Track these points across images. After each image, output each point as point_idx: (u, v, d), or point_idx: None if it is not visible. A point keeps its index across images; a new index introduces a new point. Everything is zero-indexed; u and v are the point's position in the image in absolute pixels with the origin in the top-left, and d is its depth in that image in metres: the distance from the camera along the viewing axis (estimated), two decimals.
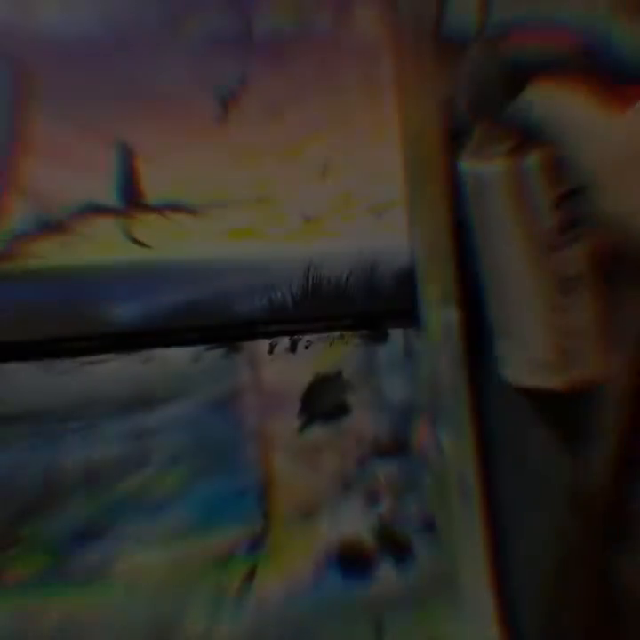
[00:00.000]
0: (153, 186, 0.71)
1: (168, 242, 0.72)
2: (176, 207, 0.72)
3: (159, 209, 0.71)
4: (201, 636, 0.69)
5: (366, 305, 0.74)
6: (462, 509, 0.76)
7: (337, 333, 0.75)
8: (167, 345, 0.72)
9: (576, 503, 0.72)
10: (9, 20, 0.68)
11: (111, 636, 0.68)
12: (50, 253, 0.68)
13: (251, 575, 0.71)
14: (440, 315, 0.77)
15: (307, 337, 0.75)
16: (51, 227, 0.68)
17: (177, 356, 0.73)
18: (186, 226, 0.72)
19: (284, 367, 0.75)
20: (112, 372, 0.71)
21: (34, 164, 0.67)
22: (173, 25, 0.70)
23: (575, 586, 0.74)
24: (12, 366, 0.68)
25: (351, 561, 0.73)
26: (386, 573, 0.73)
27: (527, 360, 0.40)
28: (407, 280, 0.76)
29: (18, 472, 0.67)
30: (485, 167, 0.31)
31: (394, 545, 0.74)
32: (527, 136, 0.31)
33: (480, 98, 0.30)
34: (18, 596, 0.66)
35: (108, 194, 0.69)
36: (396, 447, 0.77)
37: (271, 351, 0.75)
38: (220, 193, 0.73)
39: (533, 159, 0.32)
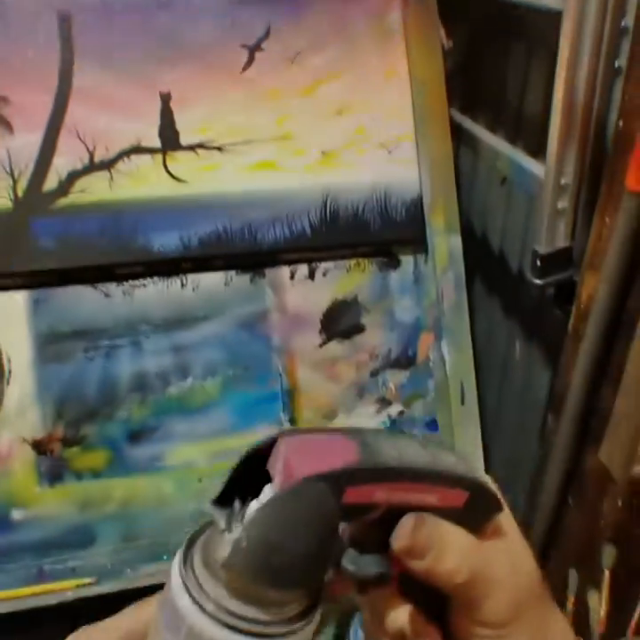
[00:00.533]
0: (186, 127, 0.78)
1: (200, 177, 0.79)
2: (206, 145, 0.79)
3: (192, 147, 0.79)
4: None
5: (379, 233, 0.82)
6: (461, 412, 0.86)
7: (353, 261, 0.84)
8: (201, 270, 0.81)
9: (555, 406, 0.82)
10: None
11: (163, 520, 0.79)
12: (98, 189, 0.76)
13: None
14: (445, 242, 0.86)
15: (324, 264, 0.84)
16: (98, 165, 0.76)
17: (210, 281, 0.81)
18: (215, 162, 0.80)
19: (304, 292, 0.83)
20: (154, 294, 0.80)
21: (83, 108, 0.75)
22: None
23: (553, 475, 0.85)
24: (69, 290, 0.77)
25: None
26: None
27: None
28: (416, 210, 0.84)
29: (78, 381, 0.77)
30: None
31: None
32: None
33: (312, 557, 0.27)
34: (84, 485, 0.77)
35: (148, 135, 0.77)
36: (405, 360, 0.86)
37: (292, 277, 0.84)
38: (245, 131, 0.80)
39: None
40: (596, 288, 0.74)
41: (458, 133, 1.02)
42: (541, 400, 0.91)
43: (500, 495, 0.31)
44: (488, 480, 0.32)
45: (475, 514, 0.30)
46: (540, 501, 0.94)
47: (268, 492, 0.28)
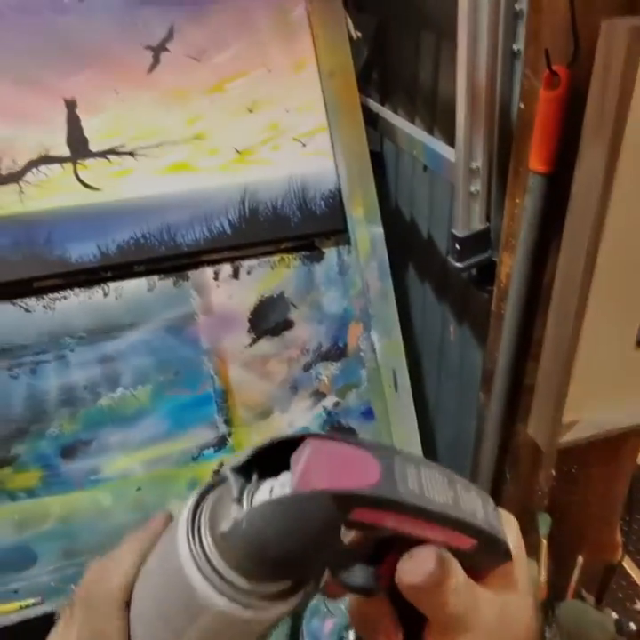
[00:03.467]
0: (95, 133, 0.77)
1: (113, 183, 0.78)
2: (117, 150, 0.78)
3: (102, 154, 0.78)
4: None
5: (300, 227, 0.83)
6: (395, 399, 0.88)
7: (277, 257, 0.84)
8: (122, 278, 0.80)
9: (486, 384, 0.85)
10: None
11: (102, 533, 0.78)
12: (7, 203, 0.74)
13: (219, 470, 0.82)
14: (366, 231, 0.86)
15: (247, 262, 0.84)
16: (6, 178, 0.74)
17: (132, 288, 0.80)
18: (127, 167, 0.78)
19: (230, 291, 0.83)
20: (76, 306, 0.78)
21: None
22: None
23: (488, 450, 0.87)
24: None
25: None
26: None
27: None
28: (335, 201, 0.84)
29: (4, 400, 0.75)
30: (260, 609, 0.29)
31: (340, 433, 0.85)
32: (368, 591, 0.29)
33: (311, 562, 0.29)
34: (19, 505, 0.76)
35: (55, 144, 0.75)
36: (336, 352, 0.87)
37: (216, 278, 0.83)
38: (156, 134, 0.79)
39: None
40: (512, 267, 0.76)
41: (380, 124, 1.03)
42: (476, 379, 0.93)
43: (515, 543, 0.31)
44: (507, 524, 0.31)
45: (481, 559, 0.30)
46: (479, 477, 0.96)
47: (283, 482, 0.29)
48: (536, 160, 0.67)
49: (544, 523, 0.84)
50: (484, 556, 0.30)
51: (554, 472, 0.88)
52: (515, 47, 0.73)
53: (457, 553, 0.29)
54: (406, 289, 1.14)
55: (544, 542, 0.84)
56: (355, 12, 0.89)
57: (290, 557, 0.28)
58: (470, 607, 0.29)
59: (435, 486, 0.29)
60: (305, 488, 0.27)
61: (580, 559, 0.89)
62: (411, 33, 1.05)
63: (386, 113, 1.10)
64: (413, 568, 0.28)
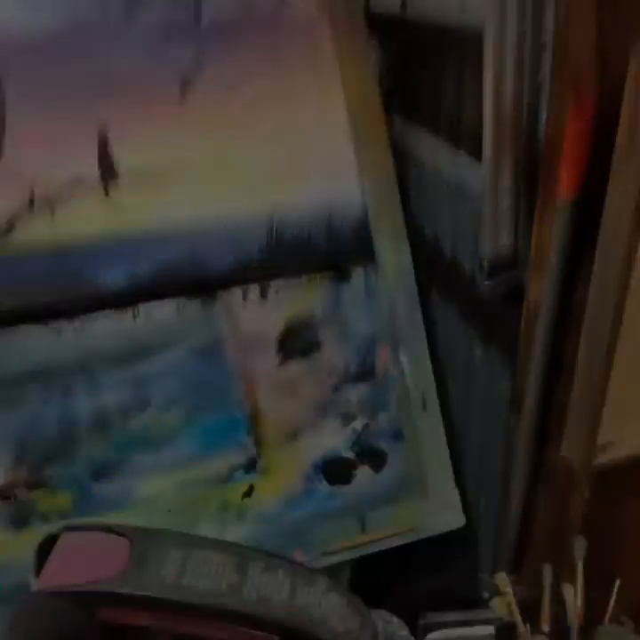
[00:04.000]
0: (126, 160, 0.78)
1: (143, 208, 0.79)
2: (147, 177, 0.79)
3: (133, 180, 0.79)
4: None
5: (327, 249, 0.83)
6: (425, 420, 0.87)
7: (305, 277, 0.84)
8: (151, 300, 0.81)
9: (516, 405, 0.84)
10: None
11: None
12: (40, 229, 0.76)
13: (249, 492, 0.82)
14: (394, 252, 0.87)
15: (275, 282, 0.84)
16: (39, 205, 0.76)
17: (162, 311, 0.81)
18: (157, 192, 0.80)
19: (258, 312, 0.84)
20: (107, 329, 0.79)
21: (18, 149, 0.74)
22: (130, 15, 0.77)
23: (520, 473, 0.86)
24: (19, 330, 0.76)
25: (334, 471, 0.84)
26: (365, 478, 0.85)
27: None
28: (362, 223, 0.85)
29: (36, 423, 0.76)
30: None
31: (370, 454, 0.85)
32: None
33: None
34: (52, 528, 0.76)
35: (88, 170, 0.77)
36: (365, 374, 0.87)
37: (244, 298, 0.84)
38: (186, 161, 0.80)
39: None
40: (541, 288, 0.76)
41: (402, 141, 1.04)
42: (503, 400, 0.92)
43: None
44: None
45: None
46: (511, 500, 0.95)
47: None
48: (565, 185, 0.67)
49: (579, 546, 0.82)
50: None
51: (588, 494, 0.86)
52: (540, 77, 0.74)
53: None
54: (429, 309, 1.13)
55: (580, 566, 0.82)
56: (378, 37, 0.90)
57: None
58: None
59: (208, 572, 0.23)
60: (45, 586, 0.24)
61: (618, 583, 0.87)
62: (434, 54, 1.06)
63: (408, 131, 1.11)
64: None
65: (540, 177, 0.73)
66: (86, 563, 0.23)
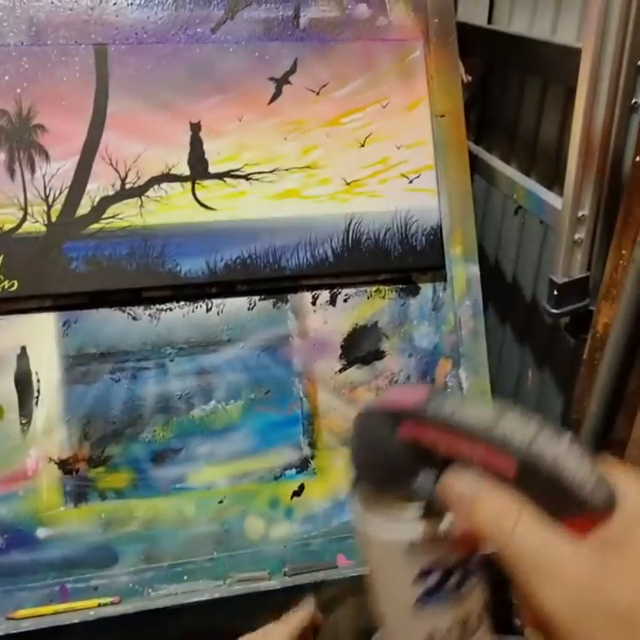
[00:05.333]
0: (214, 156, 0.81)
1: (226, 204, 0.81)
2: (234, 174, 0.82)
3: (220, 176, 0.81)
4: (257, 541, 0.82)
5: (400, 260, 0.84)
6: None
7: (374, 287, 0.85)
8: (225, 295, 0.83)
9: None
10: (91, 12, 0.77)
11: (183, 541, 0.80)
12: (128, 215, 0.78)
13: (299, 491, 0.83)
14: (464, 269, 0.87)
15: (345, 290, 0.86)
16: (129, 191, 0.78)
17: (234, 305, 0.83)
18: (241, 190, 0.82)
19: (325, 317, 0.85)
20: (179, 318, 0.82)
21: (116, 136, 0.77)
22: (230, 15, 0.80)
23: None
24: (98, 312, 0.79)
25: None
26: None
27: None
28: (435, 238, 0.86)
29: (104, 402, 0.79)
30: (390, 530, 0.34)
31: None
32: (433, 504, 0.32)
33: (378, 466, 0.34)
34: (108, 505, 0.78)
35: (177, 163, 0.79)
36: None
37: (314, 303, 0.85)
38: (272, 161, 0.82)
39: (445, 524, 0.33)
40: (612, 317, 0.76)
41: (472, 163, 1.05)
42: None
43: (632, 503, 0.27)
44: (624, 483, 0.28)
45: (549, 501, 0.28)
46: None
47: None
48: None
49: None
50: (550, 498, 0.28)
51: None
52: (633, 100, 0.74)
53: (504, 483, 0.29)
54: (485, 328, 1.14)
55: None
56: (464, 55, 0.91)
57: (371, 462, 0.34)
58: (544, 551, 0.27)
59: (479, 413, 0.31)
60: (373, 407, 0.34)
61: None
62: (516, 76, 1.07)
63: (482, 153, 1.12)
64: (446, 485, 0.31)
65: (623, 201, 0.73)
66: (403, 395, 0.34)
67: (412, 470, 0.32)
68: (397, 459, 0.32)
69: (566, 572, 0.27)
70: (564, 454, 0.29)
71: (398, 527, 0.34)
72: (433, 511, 0.33)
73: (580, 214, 0.79)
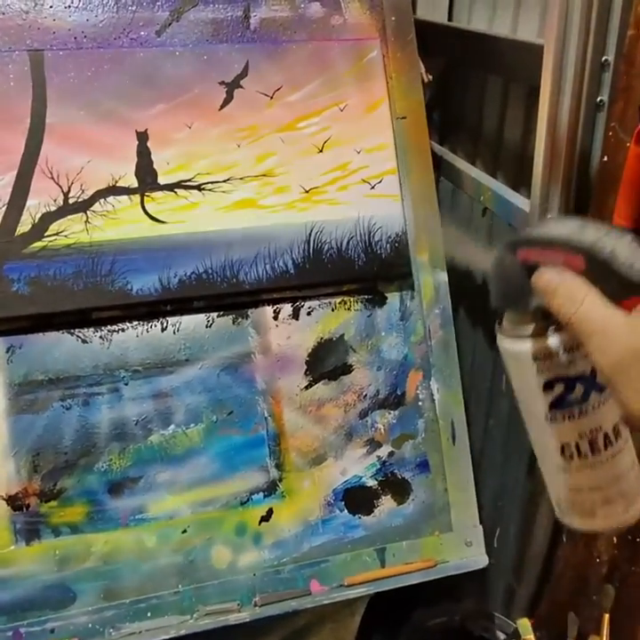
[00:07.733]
0: (164, 166, 0.76)
1: (178, 216, 0.77)
2: (185, 184, 0.77)
3: (170, 187, 0.77)
4: (225, 571, 0.77)
5: (364, 269, 0.81)
6: (453, 451, 0.84)
7: (338, 299, 0.82)
8: (181, 312, 0.79)
9: None
10: (25, 16, 0.72)
11: (146, 576, 0.76)
12: (73, 231, 0.73)
13: (268, 516, 0.79)
14: (431, 277, 0.84)
15: (308, 303, 0.82)
16: (73, 207, 0.73)
17: (191, 323, 0.79)
18: (194, 201, 0.78)
19: (289, 332, 0.81)
20: (133, 339, 0.77)
21: (56, 149, 0.72)
22: (176, 17, 0.75)
23: (545, 514, 0.83)
24: (44, 336, 0.74)
25: (356, 500, 0.81)
26: (387, 509, 0.82)
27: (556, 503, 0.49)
28: (400, 245, 0.82)
29: (54, 431, 0.74)
30: (518, 345, 0.43)
31: (394, 484, 0.82)
32: (548, 318, 0.41)
33: (507, 291, 0.43)
34: (62, 541, 0.73)
35: (124, 174, 0.75)
36: (394, 400, 0.84)
37: (276, 317, 0.81)
38: (225, 169, 0.78)
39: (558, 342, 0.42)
40: None
41: (437, 164, 1.01)
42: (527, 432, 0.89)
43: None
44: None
45: (612, 287, 0.38)
46: (534, 539, 0.92)
47: None
48: (621, 215, 0.64)
49: (607, 596, 0.79)
50: (610, 283, 0.37)
51: (615, 540, 0.83)
52: (599, 98, 0.71)
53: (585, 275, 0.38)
54: (456, 335, 1.11)
55: (606, 616, 0.79)
56: (424, 54, 0.88)
57: (501, 289, 0.43)
58: (602, 317, 0.37)
59: (566, 227, 0.40)
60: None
61: None
62: (479, 75, 1.04)
63: (447, 154, 1.09)
64: (539, 276, 0.41)
65: (592, 203, 0.71)
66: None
67: (529, 289, 0.41)
68: (518, 279, 0.41)
69: (616, 332, 0.37)
70: (621, 248, 0.38)
71: (523, 342, 0.43)
72: (546, 328, 0.42)
73: (548, 216, 0.77)
